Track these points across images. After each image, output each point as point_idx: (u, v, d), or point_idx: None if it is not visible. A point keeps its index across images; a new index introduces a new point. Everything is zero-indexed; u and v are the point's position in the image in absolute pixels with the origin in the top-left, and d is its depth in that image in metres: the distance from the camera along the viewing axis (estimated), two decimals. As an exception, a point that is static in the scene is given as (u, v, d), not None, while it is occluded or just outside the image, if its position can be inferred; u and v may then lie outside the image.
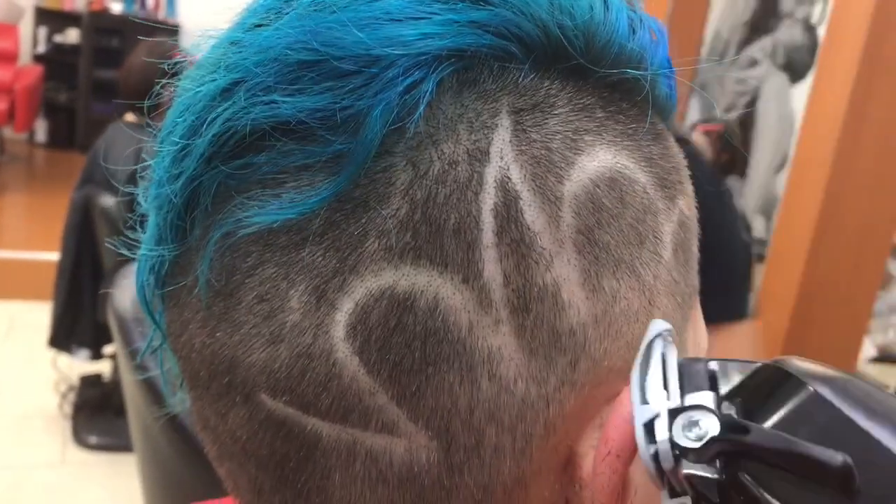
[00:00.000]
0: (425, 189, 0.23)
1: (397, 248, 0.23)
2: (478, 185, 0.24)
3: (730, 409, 0.23)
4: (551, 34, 0.25)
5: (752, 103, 3.57)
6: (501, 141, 0.24)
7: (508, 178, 0.24)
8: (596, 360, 0.25)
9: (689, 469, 0.22)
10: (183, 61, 0.28)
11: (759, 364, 0.24)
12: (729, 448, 0.22)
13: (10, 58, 2.74)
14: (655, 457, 0.22)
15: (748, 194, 3.61)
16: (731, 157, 2.63)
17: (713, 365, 0.24)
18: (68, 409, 2.52)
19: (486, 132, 0.24)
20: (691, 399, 0.23)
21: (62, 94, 5.61)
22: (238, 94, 0.24)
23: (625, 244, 0.25)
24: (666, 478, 0.23)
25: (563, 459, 0.25)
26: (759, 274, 1.55)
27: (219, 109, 0.24)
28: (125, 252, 0.29)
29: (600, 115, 0.26)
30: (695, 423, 0.22)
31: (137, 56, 2.34)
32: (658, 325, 0.24)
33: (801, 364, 0.23)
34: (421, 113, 0.24)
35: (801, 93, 3.39)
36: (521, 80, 0.25)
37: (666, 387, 0.23)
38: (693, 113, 3.06)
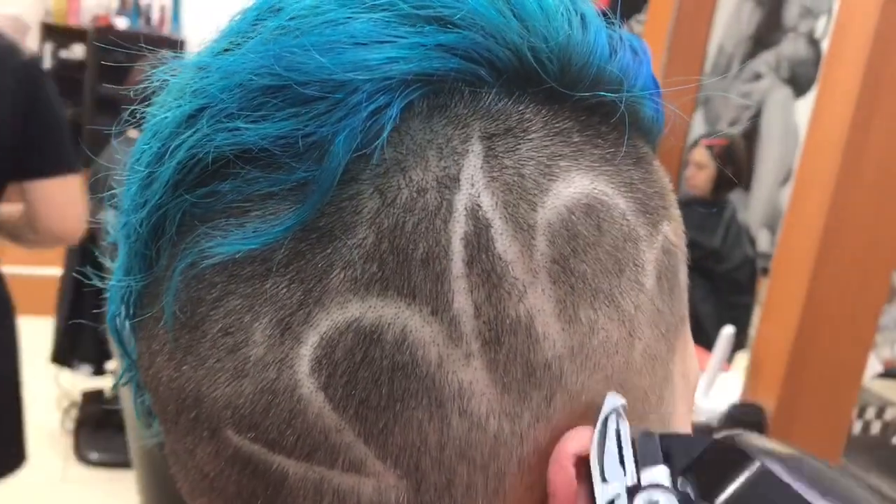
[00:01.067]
0: (392, 217, 0.23)
1: (363, 279, 0.22)
2: (447, 213, 0.23)
3: (685, 486, 0.23)
4: (524, 58, 0.24)
5: (756, 117, 3.56)
6: (472, 167, 0.23)
7: (479, 205, 0.23)
8: (573, 394, 0.24)
9: None
10: (170, 70, 0.27)
11: (713, 439, 0.24)
12: None
13: (15, 74, 2.79)
14: None
15: (753, 208, 3.59)
16: (735, 171, 2.63)
17: (667, 440, 0.24)
18: (70, 425, 2.51)
19: (456, 158, 0.23)
20: (648, 476, 0.23)
21: (67, 110, 5.63)
22: (202, 121, 0.23)
23: (603, 273, 0.24)
24: None
25: (538, 499, 0.24)
26: (764, 288, 1.54)
27: (183, 136, 0.24)
28: (97, 283, 0.28)
29: (577, 140, 0.25)
30: (654, 503, 0.22)
31: (141, 72, 2.35)
32: (612, 401, 0.24)
33: (754, 441, 0.23)
34: (385, 139, 0.23)
35: (805, 106, 3.39)
36: (493, 104, 0.24)
37: (622, 463, 0.23)
38: (697, 127, 3.05)
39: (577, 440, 0.24)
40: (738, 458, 0.23)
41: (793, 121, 3.75)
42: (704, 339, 1.88)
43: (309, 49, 0.23)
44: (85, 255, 2.36)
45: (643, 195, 0.26)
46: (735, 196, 2.87)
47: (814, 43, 3.66)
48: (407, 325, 0.22)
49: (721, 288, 2.54)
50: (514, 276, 0.23)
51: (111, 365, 2.53)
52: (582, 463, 0.23)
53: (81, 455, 2.43)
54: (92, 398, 2.57)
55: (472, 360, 0.23)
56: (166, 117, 0.24)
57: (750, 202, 3.52)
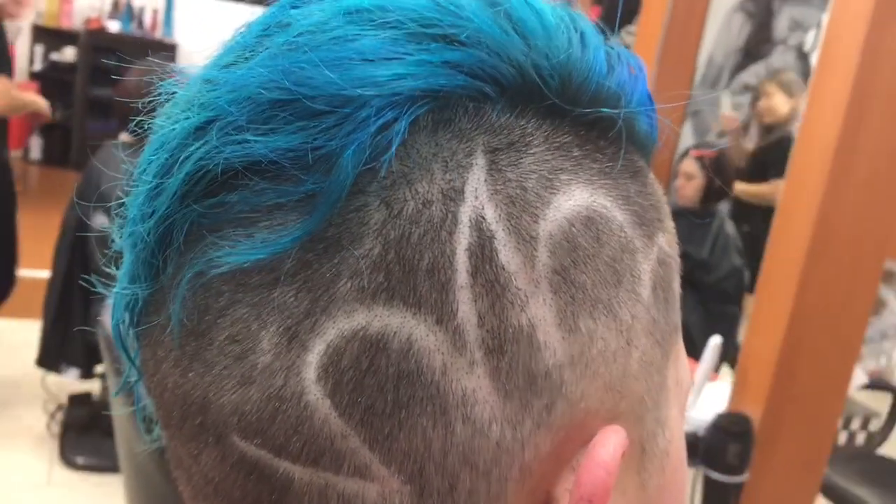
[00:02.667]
0: (399, 229, 0.23)
1: (370, 288, 0.23)
2: (452, 225, 0.23)
3: None
4: (526, 74, 0.25)
5: (745, 129, 3.59)
6: (476, 180, 0.24)
7: (483, 217, 0.23)
8: (572, 402, 0.25)
9: None
10: (176, 82, 0.27)
11: None
12: None
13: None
14: None
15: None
16: (724, 182, 2.65)
17: None
18: (56, 428, 2.50)
19: (460, 171, 0.24)
20: None
21: (57, 112, 5.60)
22: (211, 133, 0.24)
23: (602, 284, 0.25)
24: None
25: (540, 501, 0.25)
26: (751, 300, 1.55)
27: (192, 148, 0.24)
28: (101, 290, 0.28)
29: (577, 154, 0.26)
30: None
31: (133, 75, 2.35)
32: None
33: None
34: (393, 153, 0.23)
35: (793, 119, 3.41)
36: (496, 119, 0.25)
37: None
38: (687, 138, 3.07)
39: (605, 445, 0.25)
40: None
41: (782, 133, 3.77)
42: (692, 349, 1.88)
43: (318, 64, 0.23)
44: (73, 258, 2.35)
45: (640, 208, 0.27)
46: (724, 207, 2.89)
47: (803, 56, 3.69)
48: (412, 334, 0.23)
49: (709, 298, 2.55)
50: (516, 286, 0.24)
51: (99, 368, 2.52)
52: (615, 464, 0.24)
53: (67, 459, 2.42)
54: (79, 401, 2.56)
55: (476, 368, 0.23)
56: (174, 129, 0.25)
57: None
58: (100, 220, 2.23)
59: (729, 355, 2.12)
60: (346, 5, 0.24)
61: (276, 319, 0.23)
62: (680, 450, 0.30)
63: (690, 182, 2.58)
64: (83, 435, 2.48)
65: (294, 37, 0.24)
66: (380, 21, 0.24)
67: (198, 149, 0.24)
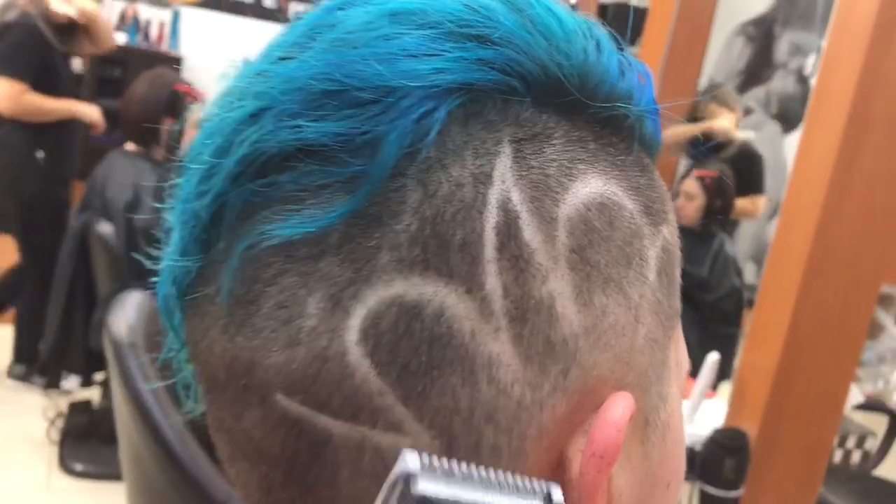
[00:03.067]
0: (434, 208, 0.26)
1: (408, 260, 0.25)
2: (482, 205, 0.26)
3: None
4: (550, 72, 0.27)
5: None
6: (503, 166, 0.26)
7: (509, 199, 0.26)
8: (586, 368, 0.27)
9: None
10: (183, 93, 0.30)
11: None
12: None
13: None
14: None
15: (741, 240, 3.64)
16: (724, 203, 2.67)
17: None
18: (55, 435, 2.50)
19: (489, 158, 0.26)
20: None
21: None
22: (265, 119, 0.26)
23: (613, 264, 0.28)
24: None
25: (554, 461, 0.27)
26: (749, 319, 1.57)
27: (246, 133, 0.27)
28: (148, 264, 0.31)
29: (592, 147, 0.28)
30: None
31: (139, 86, 2.38)
32: (404, 464, 0.24)
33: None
34: (433, 138, 0.26)
35: (794, 142, 3.44)
36: (521, 112, 0.27)
37: None
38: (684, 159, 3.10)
39: (615, 407, 0.27)
40: None
41: (782, 156, 3.81)
42: (690, 367, 1.90)
43: (367, 59, 0.26)
44: (77, 265, 2.36)
45: (647, 199, 0.30)
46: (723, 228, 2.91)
47: (803, 80, 3.73)
48: (444, 302, 0.25)
49: (707, 318, 2.57)
50: (538, 261, 0.26)
51: (99, 376, 2.53)
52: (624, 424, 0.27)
53: (66, 465, 2.42)
54: (79, 409, 2.57)
55: (500, 334, 0.26)
56: (228, 116, 0.27)
57: (738, 235, 3.57)
58: (104, 228, 2.25)
59: (727, 374, 2.13)
60: (390, 8, 0.27)
61: (322, 287, 0.26)
62: (679, 427, 0.32)
63: (691, 202, 2.61)
64: (82, 442, 2.49)
65: (343, 34, 0.27)
66: (421, 22, 0.27)
67: (253, 133, 0.26)
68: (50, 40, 2.60)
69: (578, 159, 0.28)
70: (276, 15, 5.27)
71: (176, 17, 5.68)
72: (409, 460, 0.24)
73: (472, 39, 0.27)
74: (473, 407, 0.26)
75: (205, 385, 0.29)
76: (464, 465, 0.25)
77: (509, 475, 0.25)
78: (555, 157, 0.27)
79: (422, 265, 0.25)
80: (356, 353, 0.26)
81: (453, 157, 0.26)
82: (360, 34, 0.27)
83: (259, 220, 0.27)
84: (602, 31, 0.29)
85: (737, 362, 1.80)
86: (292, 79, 0.26)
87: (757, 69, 3.87)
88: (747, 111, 3.79)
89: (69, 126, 2.62)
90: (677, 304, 0.31)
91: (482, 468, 0.25)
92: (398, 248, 0.25)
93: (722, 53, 3.87)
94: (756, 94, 3.85)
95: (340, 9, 0.28)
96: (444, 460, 0.25)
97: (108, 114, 2.89)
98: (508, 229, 0.26)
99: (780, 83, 3.80)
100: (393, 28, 0.27)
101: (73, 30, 2.71)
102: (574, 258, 0.27)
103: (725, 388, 1.96)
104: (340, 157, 0.26)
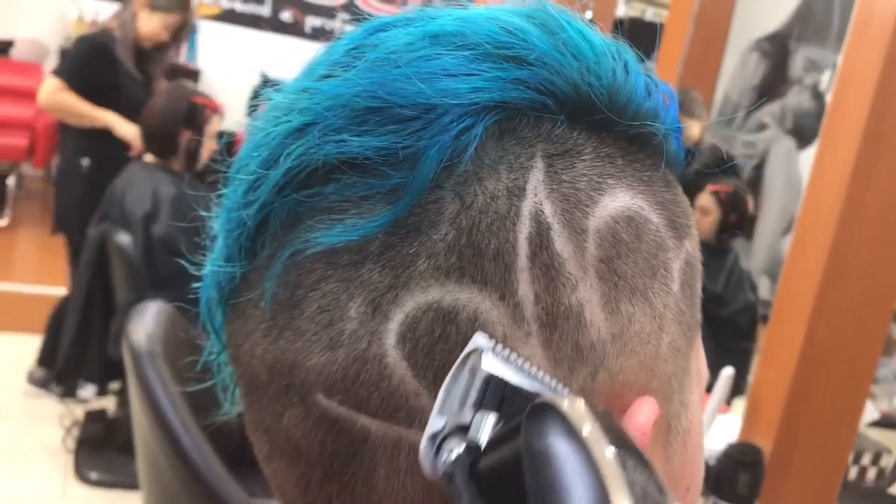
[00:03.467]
0: (470, 218, 0.27)
1: (444, 267, 0.27)
2: (515, 217, 0.27)
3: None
4: (581, 91, 0.29)
5: (759, 166, 3.61)
6: (536, 180, 0.28)
7: (542, 211, 0.28)
8: (612, 373, 0.28)
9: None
10: (201, 105, 0.32)
11: (539, 400, 0.26)
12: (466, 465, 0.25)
13: (32, 96, 2.86)
14: (433, 465, 0.26)
15: (755, 255, 3.63)
16: (738, 218, 2.67)
17: (506, 388, 0.26)
18: (71, 443, 2.52)
19: (522, 172, 0.28)
20: (478, 421, 0.26)
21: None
22: (311, 134, 0.28)
23: (640, 275, 0.29)
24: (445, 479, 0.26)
25: None
26: (763, 334, 1.57)
27: (293, 146, 0.28)
28: (192, 270, 0.32)
29: (620, 163, 0.30)
30: (452, 450, 0.25)
31: (158, 98, 2.41)
32: (478, 340, 0.26)
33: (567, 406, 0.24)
34: (472, 153, 0.27)
35: (809, 158, 3.43)
36: (553, 129, 0.29)
37: (464, 402, 0.26)
38: (701, 174, 3.10)
39: (640, 412, 0.28)
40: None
41: (796, 172, 3.79)
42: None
43: (409, 77, 0.27)
44: (94, 274, 2.38)
45: (672, 214, 0.31)
46: (738, 243, 2.91)
47: (818, 96, 3.72)
48: (479, 308, 0.27)
49: (722, 333, 2.56)
50: (568, 271, 0.27)
51: (115, 385, 2.55)
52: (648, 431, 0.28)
53: (81, 474, 2.44)
54: (94, 417, 2.58)
55: (531, 338, 0.27)
56: (274, 130, 0.29)
57: (752, 250, 3.56)
58: (122, 239, 2.27)
59: (742, 390, 2.13)
60: (430, 30, 0.29)
61: (363, 292, 0.27)
62: (699, 433, 0.33)
63: (706, 217, 2.61)
64: (97, 451, 2.50)
65: (385, 54, 0.28)
66: (460, 43, 0.28)
67: (299, 146, 0.28)
68: (122, 61, 2.64)
69: (607, 174, 0.29)
70: (292, 28, 5.31)
71: (194, 31, 5.73)
72: (480, 338, 0.26)
73: (509, 60, 0.28)
74: None
75: (246, 386, 0.31)
76: (514, 355, 0.26)
77: (547, 376, 0.26)
78: (585, 171, 0.29)
79: (458, 273, 0.27)
80: (394, 356, 0.27)
81: (489, 170, 0.28)
82: (403, 54, 0.28)
83: (303, 229, 0.28)
84: (630, 53, 0.30)
85: (751, 377, 1.80)
86: (337, 95, 0.28)
87: (772, 85, 3.86)
88: (762, 126, 3.79)
89: (118, 139, 2.65)
90: (698, 315, 0.33)
91: (526, 363, 0.26)
92: (436, 257, 0.27)
93: (737, 69, 3.87)
94: (771, 110, 3.85)
95: (382, 30, 0.30)
96: (501, 347, 0.26)
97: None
98: (540, 240, 0.27)
99: (796, 99, 3.80)
100: (433, 49, 0.28)
101: (154, 58, 2.75)
102: (602, 268, 0.28)
103: (740, 404, 1.96)
104: (382, 169, 0.27)
